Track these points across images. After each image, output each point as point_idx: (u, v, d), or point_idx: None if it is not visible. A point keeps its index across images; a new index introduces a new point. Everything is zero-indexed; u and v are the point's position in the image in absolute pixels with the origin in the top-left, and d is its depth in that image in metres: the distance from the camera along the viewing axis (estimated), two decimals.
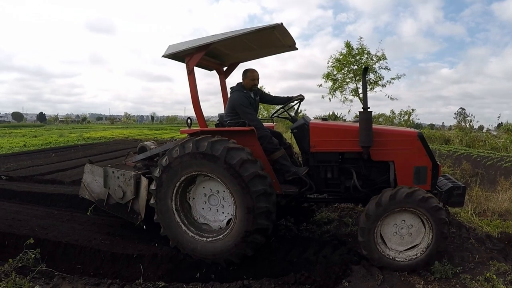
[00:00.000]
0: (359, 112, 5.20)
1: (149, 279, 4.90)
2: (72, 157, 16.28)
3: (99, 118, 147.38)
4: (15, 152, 18.67)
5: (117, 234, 6.04)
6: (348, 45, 24.62)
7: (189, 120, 5.84)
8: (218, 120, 6.34)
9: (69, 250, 5.39)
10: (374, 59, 24.48)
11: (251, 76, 5.85)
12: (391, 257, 4.91)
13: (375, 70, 24.63)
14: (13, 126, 65.62)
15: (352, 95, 26.34)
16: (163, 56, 5.36)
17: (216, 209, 5.34)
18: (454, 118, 44.80)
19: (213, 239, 5.09)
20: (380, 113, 37.83)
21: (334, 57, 25.47)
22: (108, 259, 5.22)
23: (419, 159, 5.24)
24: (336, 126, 5.79)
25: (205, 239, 5.12)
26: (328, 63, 25.83)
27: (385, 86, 25.05)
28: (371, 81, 24.77)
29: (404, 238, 4.96)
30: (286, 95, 6.46)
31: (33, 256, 5.09)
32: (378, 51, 24.47)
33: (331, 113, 35.83)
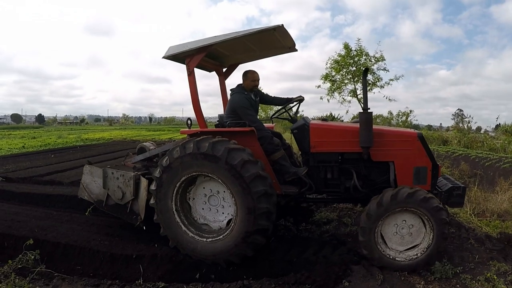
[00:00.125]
0: (360, 112, 5.21)
1: (148, 279, 4.90)
2: (70, 158, 16.26)
3: (97, 119, 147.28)
4: (14, 154, 18.66)
5: (116, 235, 6.02)
6: (346, 46, 24.67)
7: (189, 121, 5.84)
8: (218, 121, 6.34)
9: (69, 251, 5.38)
10: (373, 60, 24.54)
11: (251, 77, 5.86)
12: (391, 257, 4.92)
13: (374, 71, 24.68)
14: (12, 127, 65.61)
15: (350, 96, 26.40)
16: (164, 57, 5.37)
17: (216, 209, 5.34)
18: (452, 119, 44.97)
19: (213, 239, 5.08)
20: (377, 114, 37.91)
21: (332, 58, 25.53)
22: (108, 260, 5.20)
23: (419, 160, 5.26)
24: (336, 126, 5.80)
25: (205, 239, 5.12)
26: (326, 64, 25.91)
27: (383, 87, 25.11)
28: (369, 82, 24.80)
29: (404, 238, 4.97)
30: (283, 96, 6.47)
31: (32, 257, 5.08)
32: (377, 52, 24.54)
33: (328, 114, 35.89)
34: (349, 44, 24.79)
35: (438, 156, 15.75)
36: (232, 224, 5.02)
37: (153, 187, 5.24)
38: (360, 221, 5.00)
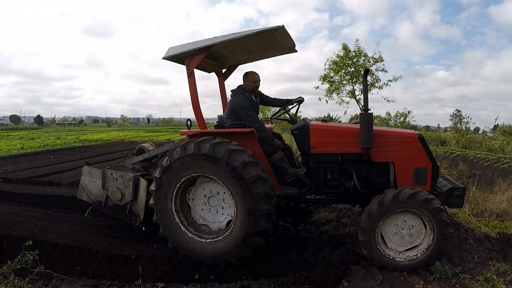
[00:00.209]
0: (360, 113, 5.21)
1: (148, 280, 4.88)
2: (69, 159, 16.28)
3: (95, 120, 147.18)
4: (12, 155, 18.68)
5: (115, 235, 6.03)
6: (345, 47, 24.67)
7: (188, 122, 5.84)
8: (217, 122, 6.34)
9: (67, 251, 5.37)
10: (371, 61, 24.55)
11: (252, 78, 5.87)
12: (391, 257, 4.92)
13: (372, 72, 24.68)
14: (11, 128, 65.73)
15: (348, 97, 26.40)
16: (163, 58, 5.36)
17: (215, 210, 5.33)
18: (450, 120, 44.95)
19: (213, 240, 5.08)
20: (376, 115, 37.96)
21: (331, 59, 25.52)
22: (107, 260, 5.19)
23: (419, 160, 5.26)
24: (336, 127, 5.80)
25: (204, 240, 5.11)
26: (325, 65, 25.90)
27: (381, 88, 25.12)
28: (369, 83, 24.79)
29: (404, 238, 4.97)
30: (280, 97, 6.50)
31: (31, 257, 5.06)
32: (375, 53, 24.55)
33: (326, 115, 35.91)
34: (347, 45, 24.80)
35: (437, 157, 15.77)
36: (232, 225, 5.02)
37: (152, 187, 5.23)
38: (360, 221, 5.00)
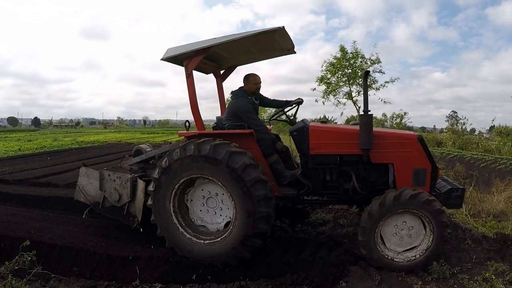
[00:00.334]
0: (360, 115, 5.19)
1: (145, 281, 4.88)
2: (66, 160, 16.32)
3: (92, 122, 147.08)
4: (10, 156, 18.71)
5: (112, 236, 6.02)
6: (342, 49, 24.70)
7: (187, 123, 5.82)
8: (215, 123, 6.33)
9: (65, 252, 5.36)
10: (369, 62, 24.57)
11: (253, 80, 5.89)
12: (389, 258, 4.93)
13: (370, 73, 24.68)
14: (8, 130, 65.90)
15: (345, 98, 26.42)
16: (162, 59, 5.35)
17: (214, 211, 5.32)
18: (446, 121, 44.99)
19: (211, 241, 5.07)
20: None
21: (328, 61, 25.54)
22: (104, 261, 5.19)
23: (418, 162, 5.26)
24: (336, 128, 5.80)
25: (202, 241, 5.10)
26: (322, 67, 25.92)
27: (378, 89, 25.16)
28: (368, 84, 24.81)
29: (403, 239, 4.98)
30: (277, 99, 6.51)
31: (29, 258, 5.05)
32: (373, 55, 24.59)
33: (322, 116, 35.92)
34: (345, 46, 24.83)
35: (433, 158, 15.81)
36: (231, 226, 5.01)
37: (151, 188, 5.21)
38: (360, 221, 5.01)
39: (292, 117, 6.30)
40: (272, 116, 6.54)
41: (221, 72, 6.93)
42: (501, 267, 5.02)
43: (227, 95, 5.98)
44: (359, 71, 24.56)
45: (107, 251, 5.32)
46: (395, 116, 35.85)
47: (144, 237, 5.82)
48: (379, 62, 24.49)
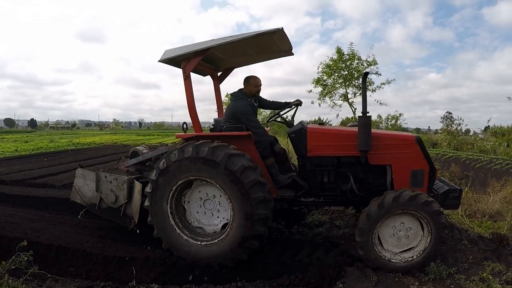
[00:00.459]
0: (358, 116, 5.19)
1: (142, 281, 4.89)
2: (62, 161, 16.36)
3: (88, 124, 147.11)
4: (7, 157, 18.77)
5: (109, 237, 6.01)
6: (339, 50, 24.69)
7: (184, 125, 5.82)
8: (212, 125, 6.33)
9: (61, 252, 5.37)
10: (365, 64, 24.59)
11: (254, 83, 5.89)
12: (387, 258, 4.94)
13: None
14: (5, 131, 65.87)
15: (341, 100, 26.41)
16: (160, 61, 5.32)
17: (211, 213, 5.31)
18: (441, 122, 45.10)
19: (208, 243, 5.06)
20: None
21: (324, 62, 25.53)
22: (101, 262, 5.19)
23: (416, 163, 5.26)
24: (334, 130, 5.81)
25: (199, 242, 5.09)
26: (318, 68, 25.90)
27: (375, 91, 25.17)
28: (361, 86, 24.79)
29: (401, 240, 4.99)
30: (275, 100, 6.51)
31: (25, 258, 5.04)
32: (369, 57, 24.59)
33: (317, 118, 35.98)
34: (341, 48, 24.81)
35: None
36: (228, 228, 5.00)
37: (148, 189, 5.19)
38: (358, 222, 5.01)
39: (287, 119, 6.30)
40: (270, 118, 6.54)
41: (218, 74, 6.92)
42: (497, 267, 5.04)
43: (223, 97, 5.96)
44: (355, 72, 24.56)
45: (103, 251, 5.32)
46: (390, 117, 35.93)
47: (141, 238, 5.79)
48: (375, 63, 24.50)
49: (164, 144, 20.29)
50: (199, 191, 5.29)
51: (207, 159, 4.80)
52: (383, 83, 25.20)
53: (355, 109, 25.67)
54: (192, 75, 5.37)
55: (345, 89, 25.84)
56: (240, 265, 5.06)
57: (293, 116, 6.30)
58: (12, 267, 4.97)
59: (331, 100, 26.67)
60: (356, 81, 24.95)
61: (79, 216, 6.70)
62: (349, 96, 25.85)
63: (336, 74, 25.45)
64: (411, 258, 4.94)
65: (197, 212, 5.36)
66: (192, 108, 5.35)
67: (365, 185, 5.59)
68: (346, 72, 25.02)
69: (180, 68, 5.33)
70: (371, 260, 4.93)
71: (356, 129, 5.24)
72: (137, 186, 5.61)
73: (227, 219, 5.14)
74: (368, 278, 4.74)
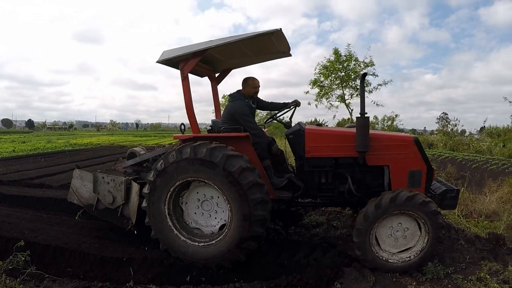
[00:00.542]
0: (356, 117, 5.20)
1: (139, 282, 4.88)
2: (60, 162, 16.33)
3: (85, 125, 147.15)
4: (4, 157, 18.80)
5: (106, 238, 6.01)
6: (336, 52, 24.70)
7: (182, 126, 5.81)
8: (210, 126, 6.33)
9: (59, 253, 5.35)
10: (362, 65, 24.61)
11: (252, 84, 5.90)
12: (384, 259, 4.95)
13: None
14: (2, 132, 66.02)
15: (338, 101, 26.43)
16: (158, 61, 5.30)
17: (209, 214, 5.31)
18: (436, 122, 45.19)
19: (205, 244, 5.05)
20: None
21: (321, 64, 25.53)
22: (98, 263, 5.18)
23: (414, 163, 5.28)
24: (332, 131, 5.83)
25: (197, 243, 5.08)
26: (315, 70, 25.90)
27: (372, 92, 25.19)
28: (357, 87, 24.82)
29: (398, 240, 5.01)
30: (274, 101, 6.51)
31: (23, 258, 5.02)
32: (366, 58, 24.61)
33: (313, 119, 35.99)
34: (339, 49, 24.82)
35: None
36: (226, 229, 4.99)
37: (146, 190, 5.19)
38: (356, 222, 5.02)
39: (285, 120, 6.30)
40: (268, 119, 6.54)
41: (216, 75, 6.91)
42: (494, 267, 5.07)
43: (220, 99, 5.96)
44: (352, 74, 24.60)
45: (101, 252, 5.31)
46: (386, 118, 35.99)
47: (138, 239, 5.79)
48: (372, 64, 24.53)
49: (161, 145, 20.33)
50: (197, 192, 5.29)
51: (205, 160, 4.80)
52: (380, 84, 25.26)
53: (352, 110, 25.73)
54: (189, 76, 5.37)
55: (342, 90, 25.86)
56: (238, 266, 5.05)
57: (291, 117, 6.31)
58: (10, 267, 4.97)
59: (327, 101, 26.71)
60: (353, 82, 24.98)
61: (76, 217, 6.68)
62: (346, 97, 25.89)
63: (333, 75, 25.46)
64: (409, 258, 4.95)
65: (195, 213, 5.35)
66: (190, 109, 5.34)
67: (363, 186, 5.60)
68: (343, 73, 25.04)
69: (178, 69, 5.31)
70: (369, 261, 4.94)
71: (354, 130, 5.25)
72: (135, 187, 5.60)
73: (225, 220, 5.14)
74: (366, 278, 4.75)
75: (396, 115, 35.23)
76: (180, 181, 5.03)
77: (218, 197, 5.16)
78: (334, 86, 26.03)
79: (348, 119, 26.09)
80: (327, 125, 26.95)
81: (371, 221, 4.85)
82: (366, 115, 5.14)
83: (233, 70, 6.97)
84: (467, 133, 34.28)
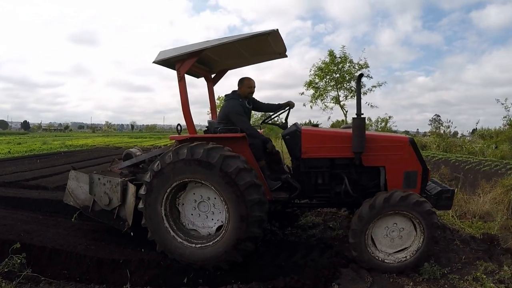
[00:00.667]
0: (353, 118, 5.23)
1: (136, 284, 4.87)
2: (55, 163, 16.24)
3: (80, 126, 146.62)
4: (0, 159, 18.63)
5: (102, 239, 5.97)
6: (331, 53, 24.70)
7: (179, 127, 5.81)
8: (206, 127, 6.32)
9: (55, 255, 5.30)
10: (357, 67, 24.62)
11: (247, 84, 5.91)
12: (380, 259, 4.97)
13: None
14: None
15: (333, 102, 26.43)
16: (154, 62, 5.29)
17: (205, 215, 5.30)
18: (429, 124, 45.35)
19: (202, 245, 5.04)
20: None
21: (316, 65, 25.53)
22: (94, 264, 5.15)
23: (410, 164, 5.31)
24: (328, 132, 5.83)
25: (194, 245, 5.08)
26: (310, 71, 25.89)
27: (366, 93, 25.22)
28: (352, 88, 24.86)
29: (394, 240, 5.03)
30: (270, 102, 6.51)
31: (19, 261, 5.01)
32: (361, 59, 24.63)
33: (307, 121, 35.97)
34: (334, 51, 24.82)
35: None
36: (223, 230, 4.99)
37: (142, 191, 5.17)
38: (351, 223, 5.03)
39: (279, 121, 6.30)
40: (264, 120, 6.54)
41: (212, 76, 6.90)
42: (490, 267, 5.11)
43: (217, 100, 5.96)
44: (347, 75, 24.60)
45: (97, 254, 5.28)
46: (380, 120, 36.06)
47: (135, 241, 5.76)
48: (367, 66, 24.54)
49: (157, 146, 20.31)
50: (194, 193, 5.28)
51: (202, 161, 4.79)
52: (374, 86, 25.28)
53: (347, 111, 25.73)
54: (185, 77, 5.36)
55: (337, 91, 25.87)
56: (235, 267, 5.04)
57: (286, 118, 6.31)
58: (5, 270, 4.95)
59: (322, 103, 26.70)
60: (348, 83, 24.99)
61: (72, 219, 6.65)
62: (341, 98, 25.89)
63: (328, 77, 25.46)
64: (405, 258, 4.97)
65: (192, 214, 5.34)
66: (186, 110, 5.33)
67: (359, 187, 5.61)
68: (338, 75, 25.04)
69: (174, 69, 5.30)
70: (365, 261, 4.96)
71: (350, 131, 5.27)
72: (131, 188, 5.58)
73: (222, 221, 5.13)
74: (363, 279, 4.77)
75: (390, 117, 35.38)
76: (177, 182, 5.02)
77: (215, 198, 5.15)
78: (329, 88, 26.02)
79: (343, 120, 26.11)
80: (321, 126, 26.96)
81: (366, 222, 4.87)
82: (362, 116, 5.15)
83: (228, 72, 6.96)
84: (459, 135, 34.46)
